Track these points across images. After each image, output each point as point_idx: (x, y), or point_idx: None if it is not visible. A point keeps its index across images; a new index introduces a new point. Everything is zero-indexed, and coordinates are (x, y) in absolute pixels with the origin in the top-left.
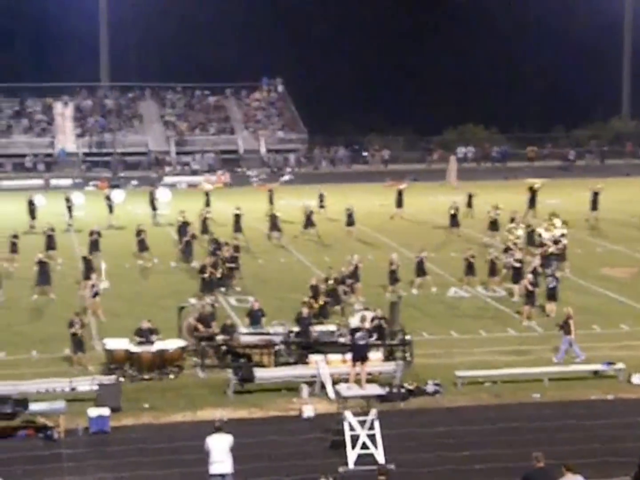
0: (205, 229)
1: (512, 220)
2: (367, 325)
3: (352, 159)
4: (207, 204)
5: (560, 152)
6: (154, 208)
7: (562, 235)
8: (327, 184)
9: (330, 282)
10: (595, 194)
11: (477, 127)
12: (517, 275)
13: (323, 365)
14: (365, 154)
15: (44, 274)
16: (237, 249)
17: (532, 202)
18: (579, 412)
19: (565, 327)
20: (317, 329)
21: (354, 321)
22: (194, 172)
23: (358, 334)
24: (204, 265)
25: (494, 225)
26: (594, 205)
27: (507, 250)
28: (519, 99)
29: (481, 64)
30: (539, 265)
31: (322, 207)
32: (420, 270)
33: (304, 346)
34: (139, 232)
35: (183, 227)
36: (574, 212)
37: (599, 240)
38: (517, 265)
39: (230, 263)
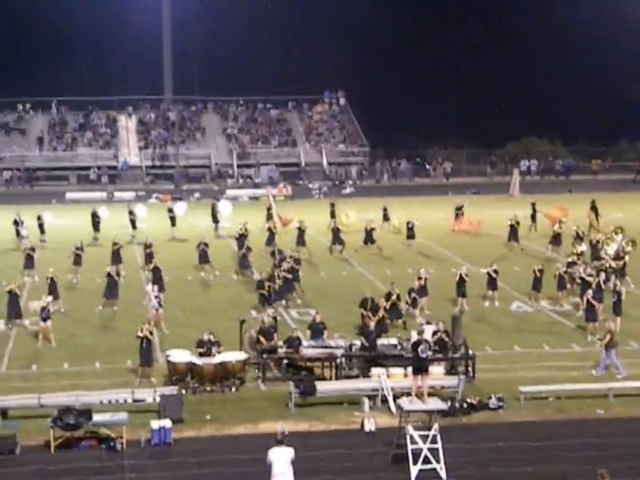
0: (269, 241)
1: (577, 235)
2: (428, 337)
3: (414, 171)
4: (269, 217)
5: (625, 164)
6: (215, 220)
7: (625, 251)
8: (389, 197)
9: (393, 297)
10: None
11: (541, 140)
12: (584, 289)
13: (385, 379)
14: (427, 167)
15: (111, 287)
16: (297, 261)
17: (595, 216)
18: None
19: (607, 342)
20: (379, 342)
21: (415, 335)
22: (256, 185)
23: (420, 347)
24: (261, 280)
25: (556, 239)
26: None
27: (570, 265)
28: (584, 111)
29: (545, 76)
30: (602, 280)
31: (386, 219)
32: (491, 283)
33: (365, 359)
34: (200, 245)
35: (241, 239)
36: (637, 227)
37: None
38: (588, 278)
39: (289, 274)
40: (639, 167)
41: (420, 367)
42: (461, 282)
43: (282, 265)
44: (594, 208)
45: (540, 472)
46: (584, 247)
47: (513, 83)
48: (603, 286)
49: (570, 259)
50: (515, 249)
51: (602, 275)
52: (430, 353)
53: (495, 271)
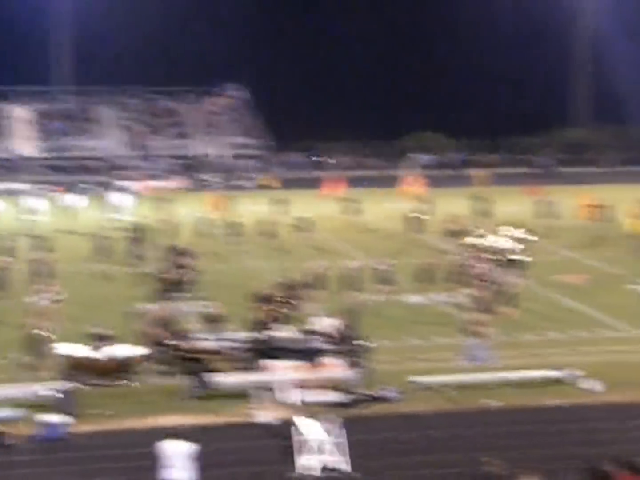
0: (165, 234)
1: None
2: (324, 330)
3: (312, 165)
4: (166, 209)
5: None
6: (110, 212)
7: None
8: (287, 190)
9: (289, 289)
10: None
11: (436, 134)
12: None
13: (280, 371)
14: (322, 160)
15: (1, 279)
16: (193, 255)
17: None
18: (533, 417)
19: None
20: (274, 334)
21: (311, 327)
22: (152, 177)
23: (312, 337)
24: (159, 272)
25: (454, 232)
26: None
27: (468, 257)
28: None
29: (443, 65)
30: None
31: (283, 212)
32: (386, 278)
33: (261, 352)
34: (95, 237)
35: (136, 232)
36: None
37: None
38: (475, 271)
39: (187, 268)
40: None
41: (313, 358)
42: (356, 275)
43: (179, 258)
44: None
45: (432, 462)
46: (480, 240)
47: (411, 74)
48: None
49: (466, 253)
50: (413, 242)
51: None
52: (324, 345)
53: (391, 264)
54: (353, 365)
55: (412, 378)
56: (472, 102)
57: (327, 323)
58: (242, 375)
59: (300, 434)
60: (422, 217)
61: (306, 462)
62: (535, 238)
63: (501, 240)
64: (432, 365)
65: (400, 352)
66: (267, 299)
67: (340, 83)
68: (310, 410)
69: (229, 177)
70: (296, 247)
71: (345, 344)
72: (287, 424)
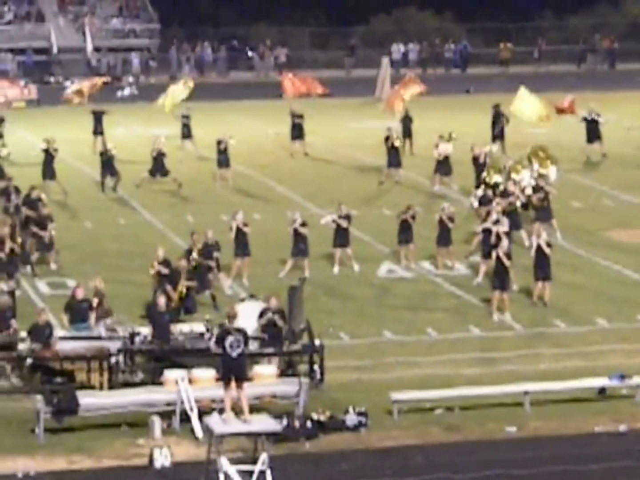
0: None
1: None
2: (249, 321)
3: (230, 62)
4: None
5: (550, 49)
6: None
7: (541, 177)
8: (193, 101)
9: (195, 256)
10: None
11: (423, 13)
12: (488, 244)
13: (186, 386)
14: (250, 54)
15: None
16: (43, 204)
17: (497, 130)
18: (575, 451)
19: None
20: (177, 329)
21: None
22: None
23: (228, 340)
24: (0, 237)
25: (445, 165)
26: (594, 134)
27: (485, 201)
28: None
29: None
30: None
31: (186, 136)
32: (341, 237)
33: (157, 357)
34: None
35: None
36: (566, 146)
37: (606, 187)
38: (493, 227)
39: (38, 227)
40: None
41: (233, 371)
42: (298, 234)
43: (23, 211)
44: (498, 116)
45: None
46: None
47: None
48: (504, 238)
49: (479, 192)
50: (386, 182)
51: (504, 221)
52: (246, 348)
53: (348, 217)
54: (295, 374)
55: (392, 395)
56: None
57: (254, 309)
58: (128, 393)
59: None
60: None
61: None
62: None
63: (519, 176)
64: (422, 374)
65: (374, 351)
66: (165, 274)
67: None
68: (231, 444)
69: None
70: (207, 191)
71: (282, 341)
72: (198, 468)
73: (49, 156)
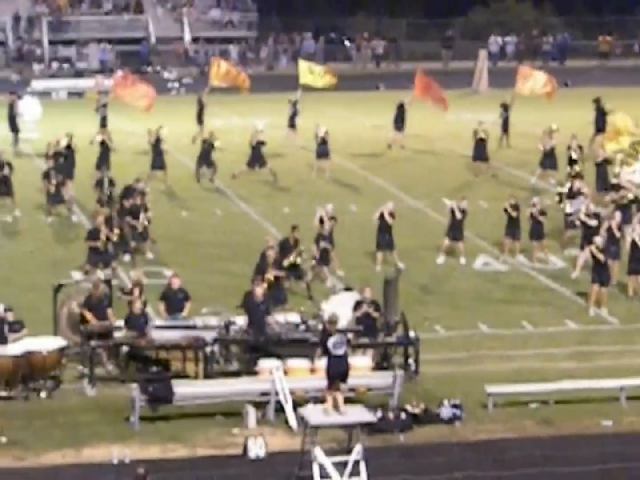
0: (102, 162)
1: (570, 149)
2: (346, 314)
3: (327, 53)
4: (103, 123)
5: None
6: (14, 129)
7: None
8: (290, 91)
9: (292, 259)
10: None
11: (521, 5)
12: (588, 237)
13: (280, 377)
14: (347, 45)
15: None
16: (143, 195)
17: (600, 125)
18: None
19: None
20: (272, 320)
21: (329, 307)
22: (79, 74)
23: (332, 340)
24: (96, 226)
25: (549, 157)
26: None
27: (572, 197)
28: None
29: None
30: (617, 222)
31: (292, 125)
32: (454, 229)
33: (251, 347)
34: None
35: (57, 159)
36: None
37: None
38: (590, 222)
39: (134, 218)
40: None
41: (337, 371)
42: (386, 226)
43: (122, 202)
44: (599, 110)
45: None
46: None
47: None
48: (616, 232)
49: (562, 189)
50: (484, 174)
51: (617, 216)
52: (348, 348)
53: (464, 211)
54: (390, 366)
55: (487, 387)
56: None
57: (350, 301)
58: (223, 383)
59: (326, 475)
60: (495, 133)
61: None
62: None
63: (631, 169)
64: (517, 367)
65: (468, 344)
66: (261, 265)
67: None
68: (325, 436)
69: (200, 72)
70: (304, 182)
71: (377, 334)
72: (292, 458)
73: (158, 148)
